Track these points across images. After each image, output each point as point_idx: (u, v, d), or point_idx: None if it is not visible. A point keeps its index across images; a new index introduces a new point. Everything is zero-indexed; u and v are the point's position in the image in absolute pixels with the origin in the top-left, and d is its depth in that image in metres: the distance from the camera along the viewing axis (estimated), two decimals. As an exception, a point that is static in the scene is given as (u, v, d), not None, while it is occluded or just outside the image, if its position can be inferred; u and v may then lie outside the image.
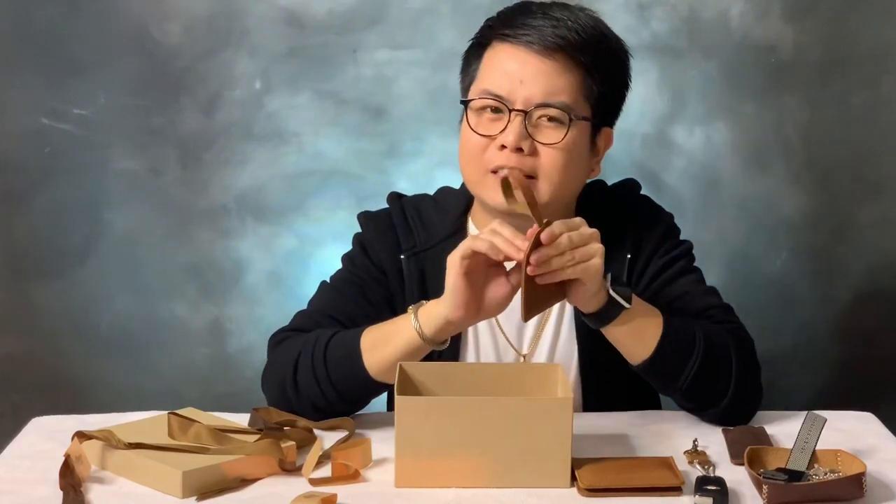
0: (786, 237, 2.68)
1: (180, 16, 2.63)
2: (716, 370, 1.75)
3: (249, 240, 2.71)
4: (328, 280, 1.91)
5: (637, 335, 1.72)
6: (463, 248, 1.63)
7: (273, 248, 2.71)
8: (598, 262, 1.62)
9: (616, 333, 1.71)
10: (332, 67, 2.64)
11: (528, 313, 1.63)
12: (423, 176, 2.61)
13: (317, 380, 1.74)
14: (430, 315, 1.68)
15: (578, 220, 1.64)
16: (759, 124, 2.64)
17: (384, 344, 1.71)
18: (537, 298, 1.63)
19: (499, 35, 1.80)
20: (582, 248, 1.61)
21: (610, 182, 2.00)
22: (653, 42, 2.61)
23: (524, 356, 1.88)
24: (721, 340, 1.77)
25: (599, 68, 1.81)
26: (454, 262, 1.63)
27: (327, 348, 1.75)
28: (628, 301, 1.67)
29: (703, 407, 1.77)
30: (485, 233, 1.64)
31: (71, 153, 2.66)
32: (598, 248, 1.62)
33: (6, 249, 2.70)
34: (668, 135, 2.64)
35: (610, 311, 1.68)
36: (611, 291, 1.66)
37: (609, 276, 1.67)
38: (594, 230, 1.63)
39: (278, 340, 1.83)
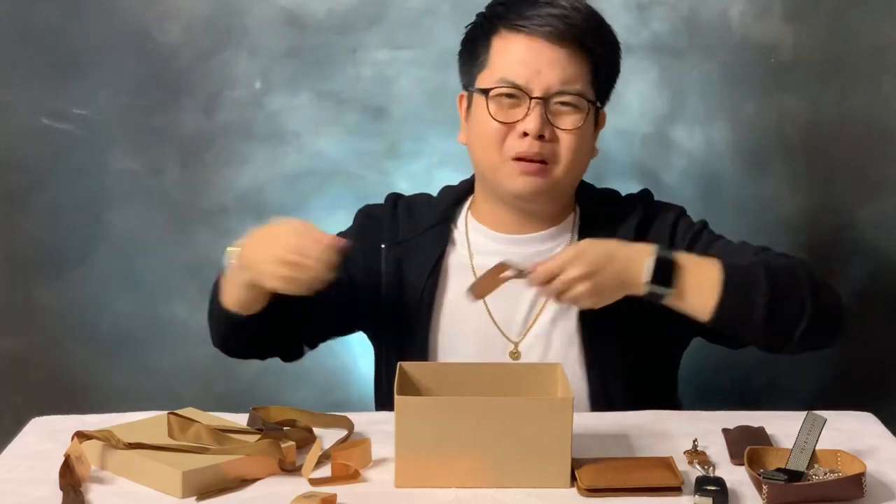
0: (786, 237, 2.68)
1: (180, 16, 2.62)
2: (786, 290, 1.74)
3: (249, 240, 2.71)
4: None
5: (697, 291, 1.72)
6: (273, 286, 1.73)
7: (273, 248, 2.71)
8: (578, 293, 1.68)
9: (675, 300, 1.73)
10: (332, 67, 2.64)
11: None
12: (423, 176, 2.61)
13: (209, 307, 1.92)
14: (232, 283, 1.82)
15: (561, 265, 1.69)
16: (759, 124, 2.64)
17: (228, 280, 1.85)
18: None
19: (509, 24, 1.85)
20: (565, 295, 1.68)
21: (611, 185, 2.04)
22: (653, 42, 2.60)
23: (517, 344, 1.90)
24: (780, 263, 1.79)
25: (604, 55, 1.89)
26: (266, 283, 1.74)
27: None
28: (669, 283, 1.70)
29: (786, 335, 1.75)
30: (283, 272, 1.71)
31: (71, 153, 2.66)
32: (579, 293, 1.68)
33: (6, 249, 2.70)
34: (668, 135, 2.64)
35: (657, 296, 1.72)
36: (651, 288, 1.70)
37: (646, 268, 1.70)
38: (576, 273, 1.68)
39: None
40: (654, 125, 2.64)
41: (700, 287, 1.71)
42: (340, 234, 1.95)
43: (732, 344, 1.88)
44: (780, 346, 1.78)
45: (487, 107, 1.85)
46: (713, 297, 1.71)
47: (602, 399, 1.88)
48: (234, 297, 1.83)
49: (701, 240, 1.91)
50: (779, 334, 1.75)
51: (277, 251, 1.67)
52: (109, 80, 2.63)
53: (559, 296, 1.69)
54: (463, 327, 1.91)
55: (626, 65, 2.57)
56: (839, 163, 2.65)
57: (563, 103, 1.84)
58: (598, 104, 1.90)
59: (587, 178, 2.11)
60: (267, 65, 2.64)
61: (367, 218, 1.99)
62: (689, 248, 1.88)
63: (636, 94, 2.62)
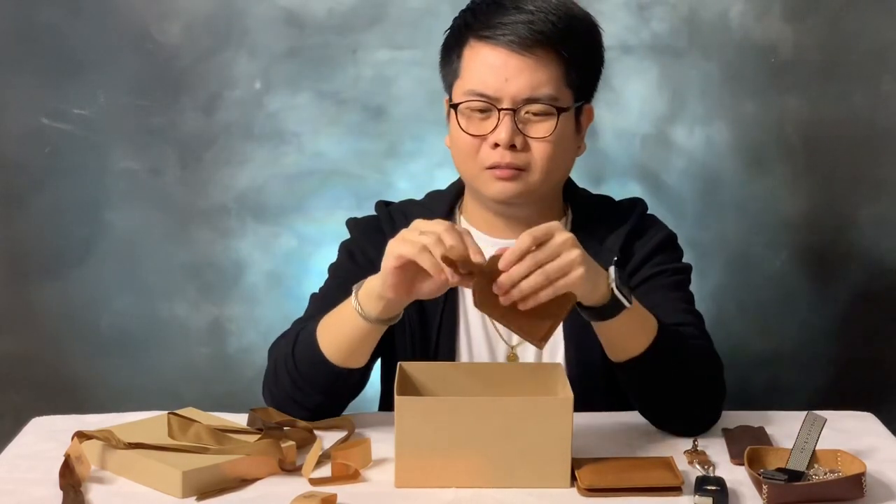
0: (786, 237, 2.68)
1: (180, 16, 2.63)
2: (695, 377, 1.73)
3: (249, 240, 2.71)
4: (317, 291, 1.92)
5: (631, 332, 1.68)
6: (396, 253, 1.59)
7: (273, 248, 2.71)
8: (578, 272, 1.55)
9: (612, 328, 1.66)
10: (332, 67, 2.64)
11: (542, 340, 1.58)
12: (423, 176, 2.61)
13: (289, 375, 1.76)
14: (368, 295, 1.66)
15: (550, 226, 1.57)
16: (759, 124, 2.64)
17: (336, 329, 1.72)
18: (538, 318, 1.57)
19: (476, 35, 1.83)
20: (554, 263, 1.54)
21: (611, 185, 2.03)
22: (653, 42, 2.61)
23: (513, 347, 1.90)
24: (702, 351, 1.77)
25: (577, 55, 1.84)
26: (388, 259, 1.61)
27: (296, 343, 1.77)
28: (629, 300, 1.63)
29: (672, 413, 1.74)
30: (424, 240, 1.56)
31: (71, 153, 2.66)
32: (574, 257, 1.55)
33: (6, 249, 2.70)
34: (668, 135, 2.64)
35: (611, 309, 1.63)
36: (615, 291, 1.61)
37: (612, 270, 1.62)
38: (567, 236, 1.57)
39: (273, 346, 1.85)
40: (654, 125, 2.64)
41: (633, 332, 1.68)
42: (343, 245, 1.95)
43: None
44: (659, 418, 1.75)
45: (458, 120, 1.84)
46: (638, 347, 1.68)
47: (581, 398, 1.89)
48: (345, 341, 1.71)
49: (663, 277, 1.88)
50: (666, 409, 1.74)
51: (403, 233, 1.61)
52: (109, 80, 2.64)
53: (552, 271, 1.54)
54: (465, 332, 1.91)
55: (626, 65, 2.58)
56: (839, 163, 2.65)
57: (534, 113, 1.81)
58: (579, 103, 1.87)
59: (585, 177, 2.11)
60: (267, 65, 2.64)
61: (368, 227, 1.96)
62: (652, 277, 1.87)
63: (636, 94, 2.62)
